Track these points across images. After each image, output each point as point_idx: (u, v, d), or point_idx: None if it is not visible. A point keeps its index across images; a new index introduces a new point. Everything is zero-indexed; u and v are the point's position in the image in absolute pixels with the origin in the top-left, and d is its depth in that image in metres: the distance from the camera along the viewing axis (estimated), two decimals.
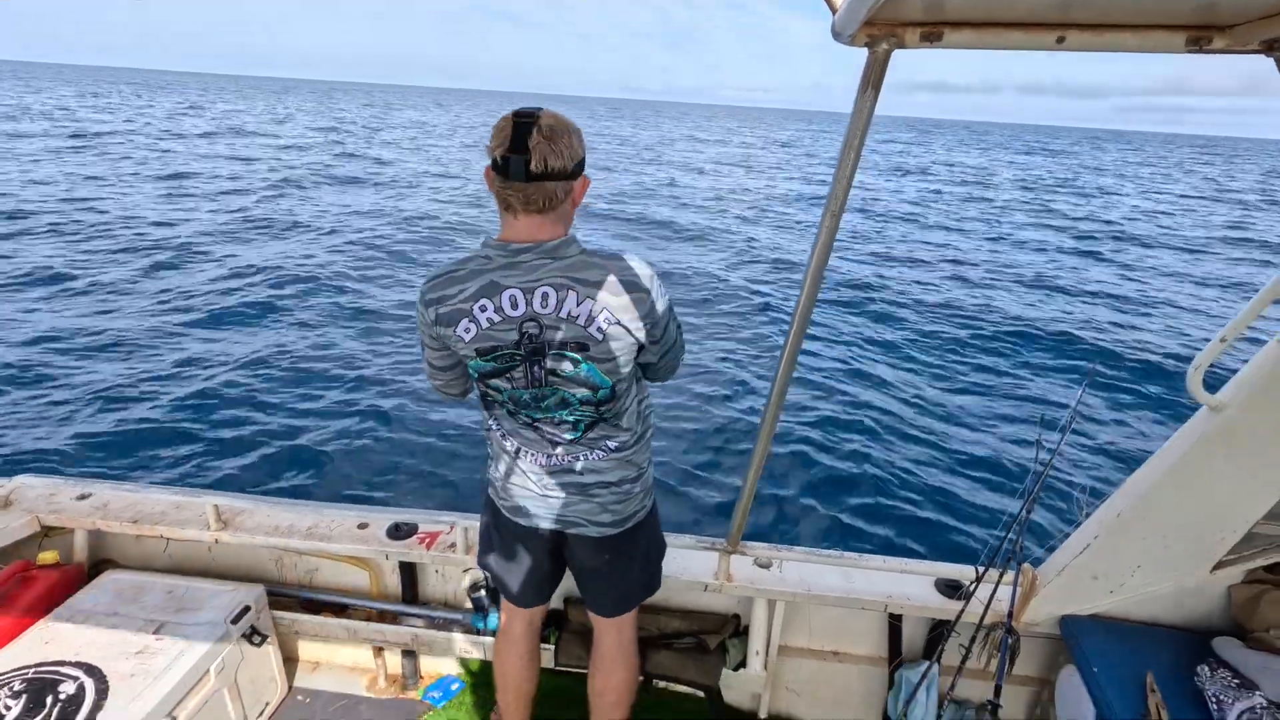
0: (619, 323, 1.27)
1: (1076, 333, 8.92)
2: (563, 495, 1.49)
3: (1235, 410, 1.49)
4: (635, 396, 1.46)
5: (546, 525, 1.54)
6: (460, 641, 2.19)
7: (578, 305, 1.26)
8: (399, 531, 2.15)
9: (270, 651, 2.14)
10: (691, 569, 2.05)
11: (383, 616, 2.26)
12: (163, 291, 8.43)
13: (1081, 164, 49.01)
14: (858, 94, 1.05)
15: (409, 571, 2.26)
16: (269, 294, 8.54)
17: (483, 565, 1.74)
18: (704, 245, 13.55)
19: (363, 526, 2.18)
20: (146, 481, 4.14)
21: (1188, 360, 1.45)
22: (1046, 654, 2.06)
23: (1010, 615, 1.62)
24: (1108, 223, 19.87)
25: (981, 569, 1.76)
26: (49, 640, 1.84)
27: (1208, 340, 1.44)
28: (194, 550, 2.31)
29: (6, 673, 1.73)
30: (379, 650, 2.30)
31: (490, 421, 1.50)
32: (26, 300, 7.88)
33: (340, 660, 2.38)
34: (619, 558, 1.61)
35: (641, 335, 1.31)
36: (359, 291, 8.93)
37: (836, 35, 0.97)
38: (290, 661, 2.35)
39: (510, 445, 1.49)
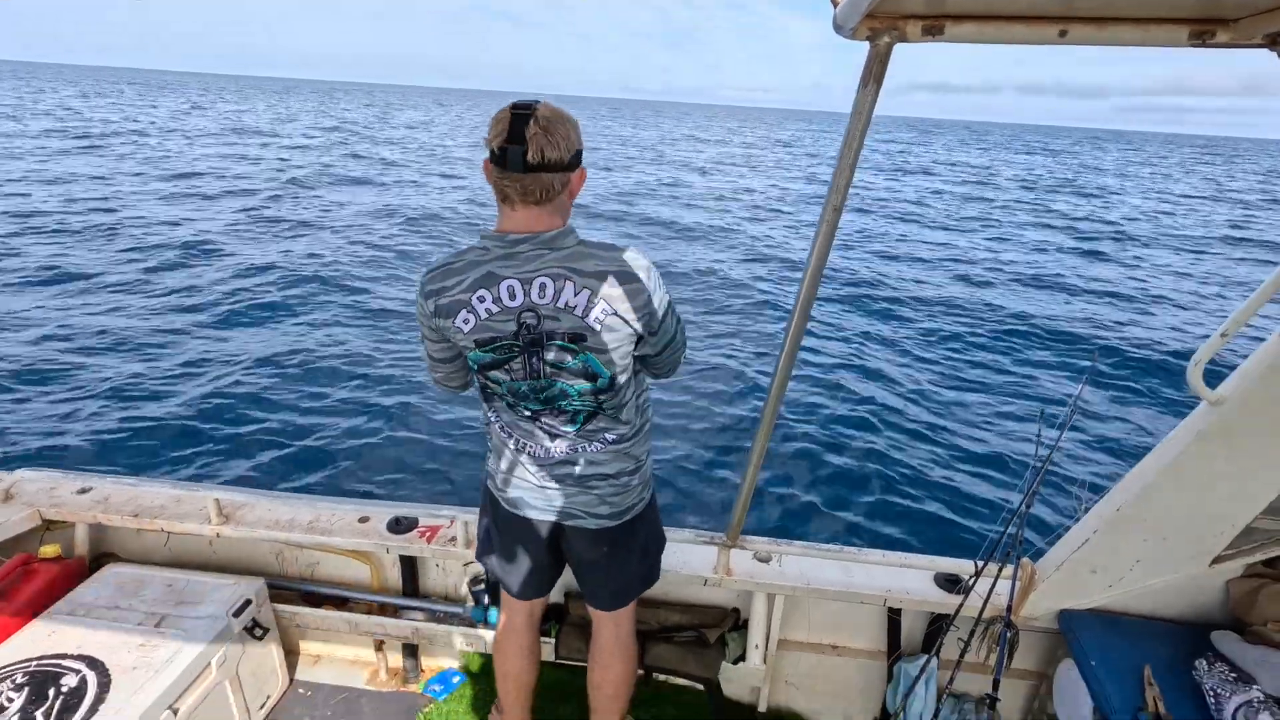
0: (616, 313, 1.28)
1: (1076, 330, 8.93)
2: (561, 487, 1.50)
3: (1235, 405, 1.49)
4: (634, 389, 1.47)
5: (545, 517, 1.54)
6: (461, 635, 2.20)
7: (575, 296, 1.26)
8: (400, 525, 2.16)
9: (271, 645, 2.14)
10: (691, 563, 2.05)
11: (384, 610, 2.27)
12: (170, 290, 8.45)
13: (1082, 164, 48.93)
14: (859, 88, 1.04)
15: (410, 565, 2.27)
16: (276, 293, 8.55)
17: (482, 559, 1.75)
18: (705, 244, 13.55)
19: (363, 520, 2.19)
20: (150, 477, 4.15)
21: (1187, 356, 1.44)
22: (1045, 648, 2.07)
23: (1009, 609, 1.62)
24: (1108, 222, 19.86)
25: (980, 563, 1.76)
26: (51, 633, 1.85)
27: (1208, 336, 1.44)
28: (195, 544, 2.31)
29: (9, 666, 1.73)
30: (380, 643, 2.30)
31: (490, 414, 1.51)
32: (34, 298, 7.89)
33: (341, 653, 2.39)
34: (617, 550, 1.61)
35: (639, 326, 1.31)
36: (366, 290, 8.93)
37: (838, 29, 0.96)
38: (291, 655, 2.35)
39: (509, 437, 1.49)
